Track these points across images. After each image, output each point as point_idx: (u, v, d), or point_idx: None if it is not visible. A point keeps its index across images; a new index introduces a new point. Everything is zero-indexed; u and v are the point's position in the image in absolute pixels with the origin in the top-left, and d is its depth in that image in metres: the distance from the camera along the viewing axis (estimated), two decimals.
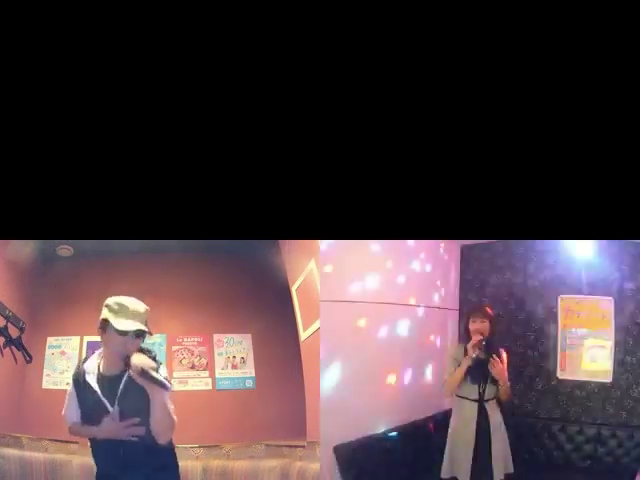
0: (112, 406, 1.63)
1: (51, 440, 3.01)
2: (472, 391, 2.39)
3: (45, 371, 3.52)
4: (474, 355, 2.32)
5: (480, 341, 2.32)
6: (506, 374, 2.36)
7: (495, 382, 2.37)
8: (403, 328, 2.88)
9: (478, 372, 2.36)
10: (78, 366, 1.76)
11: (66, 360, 3.56)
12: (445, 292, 3.36)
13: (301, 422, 2.80)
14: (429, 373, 3.04)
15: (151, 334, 1.70)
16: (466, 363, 2.33)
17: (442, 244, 3.34)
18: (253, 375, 3.72)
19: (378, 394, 2.64)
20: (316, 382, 2.31)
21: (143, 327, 1.66)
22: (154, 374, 1.56)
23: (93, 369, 1.71)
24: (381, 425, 2.59)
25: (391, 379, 2.71)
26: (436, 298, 3.24)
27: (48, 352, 3.56)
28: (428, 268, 3.18)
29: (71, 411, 1.74)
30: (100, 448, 1.70)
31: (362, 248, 2.60)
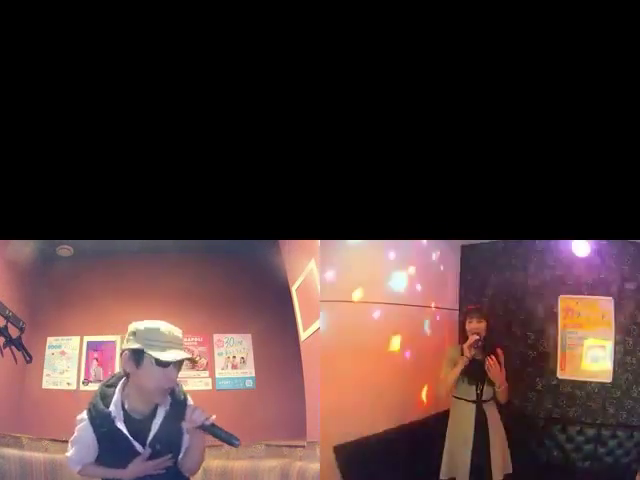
0: (143, 447, 1.49)
1: (51, 440, 3.02)
2: (469, 392, 2.38)
3: (45, 371, 3.52)
4: (470, 355, 2.31)
5: (476, 341, 2.32)
6: (503, 376, 2.35)
7: (493, 383, 2.37)
8: (403, 328, 2.88)
9: (475, 373, 2.36)
10: (97, 409, 1.49)
11: (66, 360, 3.56)
12: (445, 292, 3.36)
13: (301, 422, 2.80)
14: (429, 373, 3.04)
15: (196, 362, 1.55)
16: (462, 363, 2.32)
17: (442, 244, 3.34)
18: (253, 375, 3.72)
19: (378, 394, 2.63)
20: (316, 382, 2.31)
21: (189, 355, 1.48)
22: (220, 430, 1.44)
23: (119, 411, 1.48)
24: (381, 425, 2.59)
25: (391, 379, 2.71)
26: (435, 298, 3.24)
27: (48, 352, 3.56)
28: (428, 268, 3.18)
29: (86, 453, 1.53)
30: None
31: (362, 247, 2.60)
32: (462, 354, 2.35)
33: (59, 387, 3.49)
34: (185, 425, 1.47)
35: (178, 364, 1.46)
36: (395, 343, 2.79)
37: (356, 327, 2.52)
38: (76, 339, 3.60)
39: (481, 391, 2.38)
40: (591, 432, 2.91)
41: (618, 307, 2.96)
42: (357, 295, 2.54)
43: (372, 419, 2.56)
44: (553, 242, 3.12)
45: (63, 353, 3.58)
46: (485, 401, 2.39)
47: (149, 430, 1.49)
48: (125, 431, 1.47)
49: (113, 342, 3.54)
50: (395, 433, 2.64)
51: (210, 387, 3.64)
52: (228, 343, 3.77)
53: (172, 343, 1.44)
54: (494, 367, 2.31)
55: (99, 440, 1.49)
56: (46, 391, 3.48)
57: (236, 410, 3.50)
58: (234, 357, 3.75)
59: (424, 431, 2.78)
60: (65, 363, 3.55)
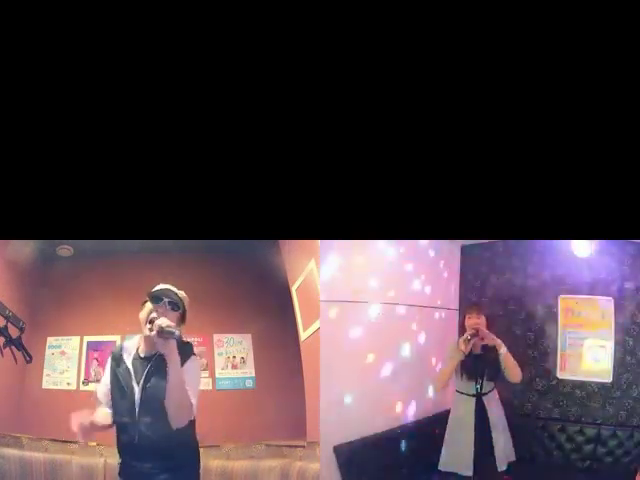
0: (137, 384, 1.70)
1: (51, 440, 3.02)
2: (469, 387, 2.40)
3: (45, 371, 3.52)
4: (465, 349, 2.29)
5: (473, 335, 2.30)
6: (491, 335, 2.32)
7: (492, 377, 2.38)
8: (403, 328, 2.88)
9: (474, 368, 2.37)
10: (117, 344, 1.87)
11: (66, 360, 3.55)
12: (445, 292, 3.36)
13: (301, 422, 2.80)
14: (429, 373, 3.04)
15: (185, 310, 1.79)
16: (457, 357, 2.32)
17: (442, 243, 3.34)
18: (253, 375, 3.71)
19: (378, 394, 2.64)
20: (316, 382, 2.31)
21: (171, 288, 1.78)
22: (167, 328, 1.59)
23: (131, 349, 1.78)
24: (381, 425, 2.59)
25: (391, 379, 2.71)
26: (436, 298, 3.24)
27: (48, 352, 3.56)
28: (429, 268, 3.18)
29: (102, 386, 1.81)
30: (121, 438, 1.74)
31: (364, 248, 2.60)
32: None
33: (59, 387, 3.49)
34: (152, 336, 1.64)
35: (170, 305, 1.74)
36: (395, 343, 2.79)
37: (356, 327, 2.52)
38: (76, 339, 3.60)
39: (481, 385, 2.39)
40: (591, 432, 2.91)
41: (618, 307, 2.96)
42: (357, 295, 2.54)
43: (372, 419, 2.56)
44: (553, 242, 3.12)
45: (63, 353, 3.57)
46: (485, 394, 2.40)
47: (145, 369, 1.71)
48: (128, 363, 1.74)
49: (113, 342, 3.53)
50: (395, 433, 2.64)
51: (210, 387, 3.63)
52: (228, 343, 3.77)
53: (164, 289, 1.78)
54: (481, 329, 2.30)
55: (112, 371, 1.77)
56: (46, 391, 3.47)
57: (236, 410, 3.50)
58: (234, 357, 3.75)
59: (424, 431, 2.78)
60: (65, 363, 3.55)
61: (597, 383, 2.98)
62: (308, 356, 2.77)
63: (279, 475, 2.75)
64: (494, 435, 2.38)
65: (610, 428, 2.87)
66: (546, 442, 3.00)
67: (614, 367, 2.94)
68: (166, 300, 1.73)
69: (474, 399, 2.40)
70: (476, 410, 2.39)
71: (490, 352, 2.35)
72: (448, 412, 2.55)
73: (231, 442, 3.22)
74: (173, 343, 1.62)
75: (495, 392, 2.45)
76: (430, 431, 2.75)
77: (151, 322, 1.65)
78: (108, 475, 2.82)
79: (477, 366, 2.36)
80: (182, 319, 1.79)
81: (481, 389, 2.39)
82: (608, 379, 2.95)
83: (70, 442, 2.98)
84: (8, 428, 3.08)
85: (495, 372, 2.39)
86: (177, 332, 1.60)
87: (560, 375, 3.08)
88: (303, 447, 2.77)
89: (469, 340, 2.30)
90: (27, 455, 2.85)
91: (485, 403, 2.40)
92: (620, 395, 2.91)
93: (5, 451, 2.82)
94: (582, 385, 3.02)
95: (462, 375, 2.38)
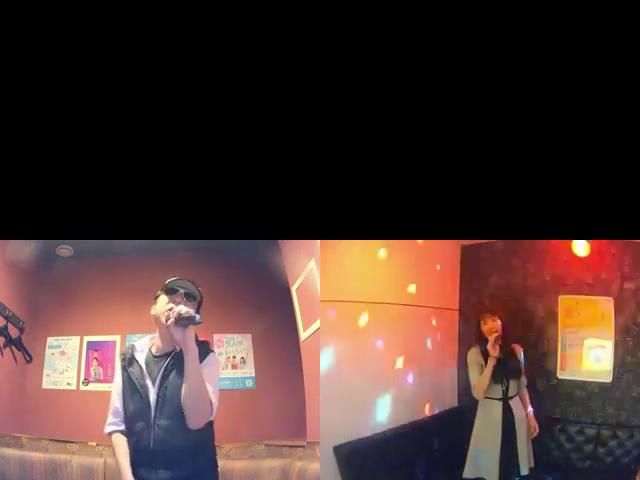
0: (153, 384, 1.58)
1: (51, 440, 3.02)
2: (495, 390, 2.42)
3: (45, 371, 3.52)
4: (496, 354, 2.34)
5: (497, 338, 2.34)
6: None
7: (516, 378, 2.41)
8: (404, 328, 2.87)
9: (499, 370, 2.38)
10: (126, 345, 1.76)
11: (66, 360, 3.56)
12: (445, 292, 3.35)
13: (301, 422, 2.80)
14: (429, 373, 3.04)
15: (201, 299, 1.73)
16: (491, 364, 2.34)
17: (442, 243, 3.33)
18: (253, 375, 3.71)
19: (378, 394, 2.63)
20: (316, 382, 2.31)
21: (184, 279, 1.70)
22: (186, 313, 1.53)
23: (143, 348, 1.68)
24: (381, 425, 2.59)
25: (391, 379, 2.71)
26: (437, 298, 3.23)
27: (48, 352, 3.56)
28: (429, 268, 3.17)
29: (115, 406, 1.65)
30: (133, 445, 1.60)
31: (364, 247, 2.60)
32: (484, 355, 2.37)
33: (59, 387, 3.49)
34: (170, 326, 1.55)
35: (188, 295, 1.69)
36: (396, 343, 2.78)
37: (356, 327, 2.52)
38: (76, 339, 3.60)
39: (506, 388, 2.41)
40: (591, 432, 2.91)
41: (618, 307, 2.96)
42: (357, 295, 2.54)
43: (373, 419, 2.56)
44: (553, 242, 3.12)
45: (63, 353, 3.57)
46: (511, 397, 2.41)
47: (161, 368, 1.60)
48: (142, 362, 1.62)
49: (113, 342, 3.53)
50: (396, 433, 2.64)
51: None
52: (228, 343, 3.77)
53: (178, 279, 1.71)
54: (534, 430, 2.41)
55: (123, 371, 1.65)
56: (46, 391, 3.48)
57: (236, 410, 3.50)
58: (234, 357, 3.75)
59: (424, 431, 2.78)
60: (65, 363, 3.55)
61: (597, 383, 2.98)
62: (308, 356, 2.76)
63: (279, 475, 2.75)
64: (519, 440, 2.40)
65: (610, 428, 2.87)
66: (546, 442, 3.00)
67: (614, 367, 2.94)
68: (182, 291, 1.68)
69: (501, 402, 2.41)
70: (503, 414, 2.40)
71: (511, 354, 2.38)
72: (447, 412, 2.55)
73: (231, 442, 3.22)
74: (191, 333, 1.54)
75: (519, 398, 2.47)
76: (429, 432, 2.75)
77: (170, 310, 1.57)
78: (108, 475, 2.82)
79: (501, 369, 2.38)
80: (197, 310, 1.71)
81: (507, 391, 2.41)
82: (608, 379, 2.95)
83: (70, 442, 2.99)
84: (8, 428, 3.08)
85: (518, 374, 2.43)
86: (197, 317, 1.55)
87: (560, 375, 3.08)
88: (303, 447, 2.77)
89: (499, 344, 2.33)
90: (27, 455, 2.85)
91: (512, 406, 2.41)
92: (620, 395, 2.91)
93: (5, 451, 2.82)
94: (582, 385, 3.01)
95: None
